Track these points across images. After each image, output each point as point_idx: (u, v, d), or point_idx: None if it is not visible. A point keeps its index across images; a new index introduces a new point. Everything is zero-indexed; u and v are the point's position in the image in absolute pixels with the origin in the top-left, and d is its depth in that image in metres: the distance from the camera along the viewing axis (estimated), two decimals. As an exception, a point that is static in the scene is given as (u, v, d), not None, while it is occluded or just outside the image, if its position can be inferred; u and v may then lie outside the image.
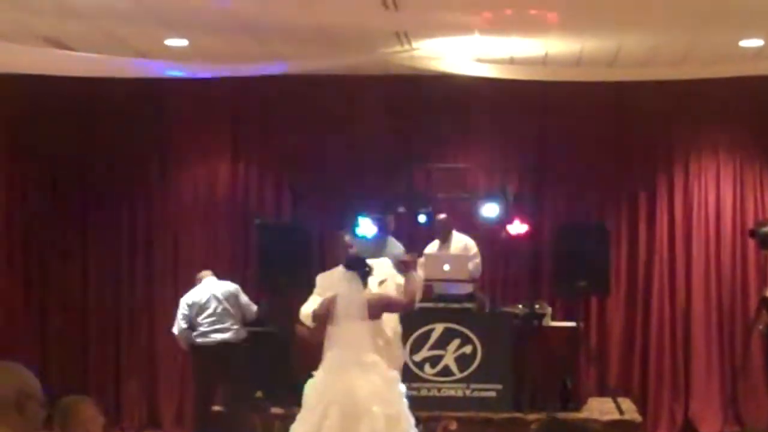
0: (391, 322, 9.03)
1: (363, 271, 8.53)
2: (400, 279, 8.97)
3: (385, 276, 8.86)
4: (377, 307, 8.52)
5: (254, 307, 12.04)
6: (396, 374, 8.64)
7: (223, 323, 11.80)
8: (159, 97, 13.82)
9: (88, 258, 14.02)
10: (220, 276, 12.23)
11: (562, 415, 11.36)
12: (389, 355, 8.79)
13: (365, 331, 8.43)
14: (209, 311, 11.81)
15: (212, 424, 11.86)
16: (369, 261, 8.85)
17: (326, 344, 8.61)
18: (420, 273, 9.44)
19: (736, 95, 13.38)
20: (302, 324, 9.09)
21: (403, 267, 8.95)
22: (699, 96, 13.43)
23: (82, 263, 14.01)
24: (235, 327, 11.85)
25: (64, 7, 10.25)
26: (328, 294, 8.67)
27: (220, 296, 11.87)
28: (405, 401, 8.55)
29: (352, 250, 9.00)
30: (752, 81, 12.76)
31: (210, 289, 11.94)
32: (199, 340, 11.86)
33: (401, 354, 9.72)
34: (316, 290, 9.16)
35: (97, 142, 13.89)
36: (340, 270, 8.80)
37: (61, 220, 13.98)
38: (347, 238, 9.65)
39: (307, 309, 8.99)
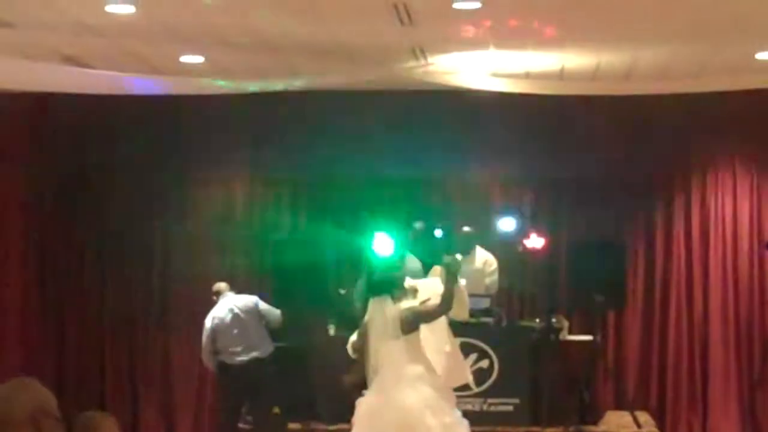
0: (443, 332, 8.80)
1: (390, 291, 8.48)
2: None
3: (429, 296, 8.71)
4: (409, 322, 8.40)
5: (277, 312, 11.87)
6: (442, 381, 8.46)
7: (249, 341, 11.69)
8: (176, 114, 13.86)
9: (104, 273, 14.05)
10: (236, 291, 12.24)
11: (579, 429, 11.38)
12: (447, 366, 8.65)
13: (402, 347, 8.36)
14: (235, 330, 11.70)
15: None
16: (417, 282, 8.83)
17: (371, 371, 8.52)
18: (460, 282, 9.17)
19: (752, 108, 13.35)
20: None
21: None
22: (715, 109, 13.41)
23: (99, 278, 14.04)
24: (262, 342, 11.74)
25: (82, 25, 10.30)
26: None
27: (242, 312, 11.76)
28: (458, 410, 8.50)
29: (379, 275, 8.84)
30: (769, 93, 12.76)
31: (229, 305, 11.83)
32: (227, 360, 11.74)
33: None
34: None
35: (115, 158, 13.91)
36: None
37: (77, 235, 14.02)
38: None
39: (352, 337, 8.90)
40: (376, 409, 8.31)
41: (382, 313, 8.38)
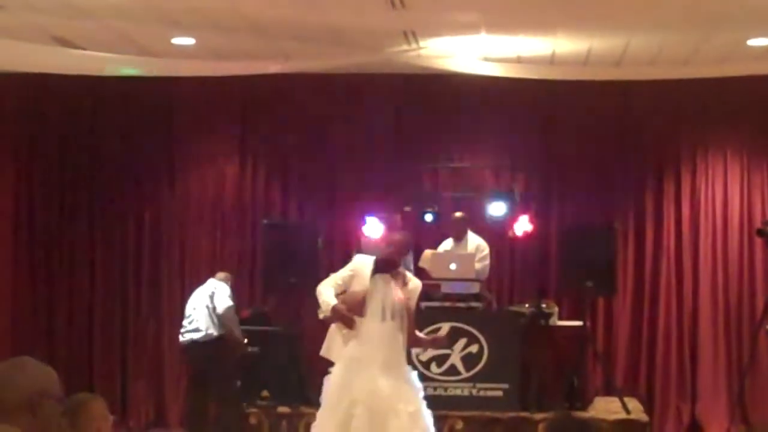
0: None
1: (396, 273, 8.50)
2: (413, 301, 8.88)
3: (409, 295, 8.72)
4: (400, 308, 8.44)
5: (225, 305, 11.87)
6: (413, 373, 8.59)
7: (193, 323, 11.92)
8: (167, 97, 13.84)
9: (95, 258, 14.03)
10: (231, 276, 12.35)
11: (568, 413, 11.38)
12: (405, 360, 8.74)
13: (393, 331, 8.39)
14: (188, 310, 12.02)
15: (197, 422, 11.99)
16: (410, 276, 8.85)
17: (344, 336, 8.55)
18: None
19: (743, 95, 13.35)
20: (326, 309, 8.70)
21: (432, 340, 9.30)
22: (706, 95, 13.42)
23: (90, 263, 14.01)
24: (205, 326, 11.87)
25: (72, 5, 10.26)
26: (359, 288, 8.55)
27: (201, 295, 11.99)
28: (422, 399, 8.54)
29: (391, 249, 8.78)
30: (760, 80, 12.76)
31: (202, 288, 12.10)
32: (179, 338, 12.14)
33: None
34: (348, 268, 8.72)
35: (104, 142, 13.90)
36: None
37: (68, 221, 14.00)
38: (396, 238, 9.11)
39: (328, 294, 8.55)
40: (346, 383, 8.37)
41: (386, 289, 8.40)
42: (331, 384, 8.46)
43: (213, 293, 11.93)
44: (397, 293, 8.44)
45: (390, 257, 8.59)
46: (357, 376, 8.33)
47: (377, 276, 8.47)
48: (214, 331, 11.87)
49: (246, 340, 12.12)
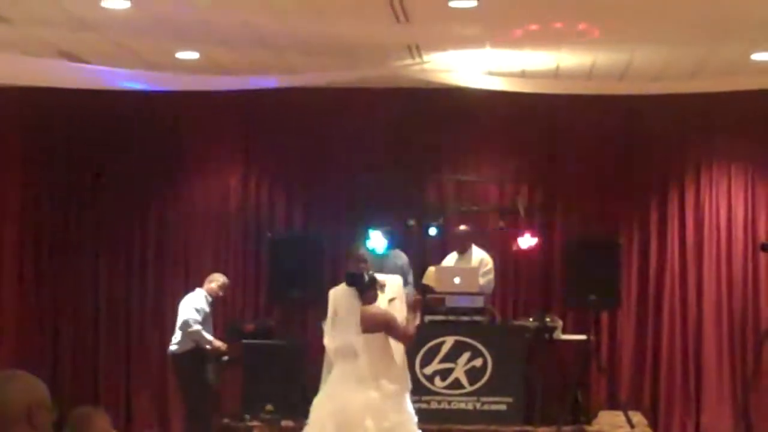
0: (399, 350, 8.91)
1: (361, 287, 8.52)
2: (403, 300, 8.90)
3: (394, 295, 8.76)
4: (372, 322, 8.44)
5: (182, 318, 11.77)
6: (395, 387, 8.50)
7: (175, 335, 11.87)
8: (172, 110, 13.86)
9: (99, 268, 14.05)
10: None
11: (572, 428, 11.38)
12: (396, 373, 8.70)
13: (362, 345, 8.41)
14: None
15: None
16: (380, 276, 8.84)
17: (326, 366, 8.62)
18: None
19: (747, 108, 13.35)
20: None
21: (413, 306, 8.94)
22: (710, 109, 13.43)
23: (94, 273, 14.03)
24: (176, 338, 11.83)
25: (78, 20, 10.30)
26: (330, 310, 8.67)
27: (180, 307, 11.94)
28: (408, 414, 8.52)
29: (364, 266, 8.89)
30: (764, 94, 12.75)
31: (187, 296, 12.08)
32: None
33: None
34: (329, 305, 9.03)
35: (110, 154, 13.91)
36: (342, 285, 8.77)
37: (73, 231, 14.03)
38: (361, 252, 9.50)
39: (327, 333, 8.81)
40: (320, 401, 8.47)
41: (348, 305, 8.45)
42: (314, 403, 8.56)
43: (189, 299, 11.87)
44: (372, 306, 8.46)
45: (358, 272, 8.67)
46: (333, 393, 8.39)
47: (344, 293, 8.55)
48: (185, 344, 11.76)
49: (222, 346, 11.82)
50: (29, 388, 3.69)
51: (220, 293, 12.01)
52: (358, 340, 8.39)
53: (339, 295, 8.69)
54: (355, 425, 8.22)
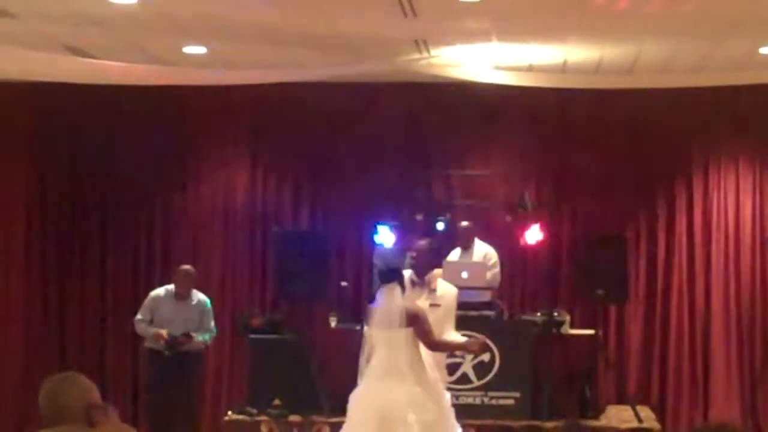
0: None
1: (401, 280, 8.45)
2: (452, 315, 8.87)
3: (440, 302, 8.73)
4: (412, 318, 8.37)
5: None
6: (436, 379, 8.46)
7: None
8: (178, 105, 13.85)
9: (107, 267, 14.04)
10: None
11: (580, 423, 11.37)
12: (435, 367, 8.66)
13: (402, 339, 8.33)
14: None
15: None
16: (442, 282, 8.84)
17: (364, 359, 8.49)
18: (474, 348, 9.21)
19: (755, 103, 13.34)
20: None
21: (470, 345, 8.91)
22: (718, 104, 13.41)
23: (101, 272, 14.03)
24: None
25: (84, 15, 10.29)
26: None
27: None
28: (448, 409, 8.48)
29: (412, 259, 8.82)
30: (772, 89, 12.74)
31: None
32: None
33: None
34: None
35: (117, 150, 13.90)
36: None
37: (80, 229, 14.03)
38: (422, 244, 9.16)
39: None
40: (362, 395, 8.33)
41: (388, 299, 8.36)
42: (353, 398, 8.38)
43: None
44: (407, 302, 8.40)
45: (395, 266, 8.60)
46: (375, 388, 8.29)
47: (384, 286, 8.48)
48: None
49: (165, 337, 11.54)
50: (87, 389, 4.09)
51: (180, 284, 11.79)
52: (399, 333, 8.31)
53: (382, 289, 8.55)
54: (397, 420, 8.15)
